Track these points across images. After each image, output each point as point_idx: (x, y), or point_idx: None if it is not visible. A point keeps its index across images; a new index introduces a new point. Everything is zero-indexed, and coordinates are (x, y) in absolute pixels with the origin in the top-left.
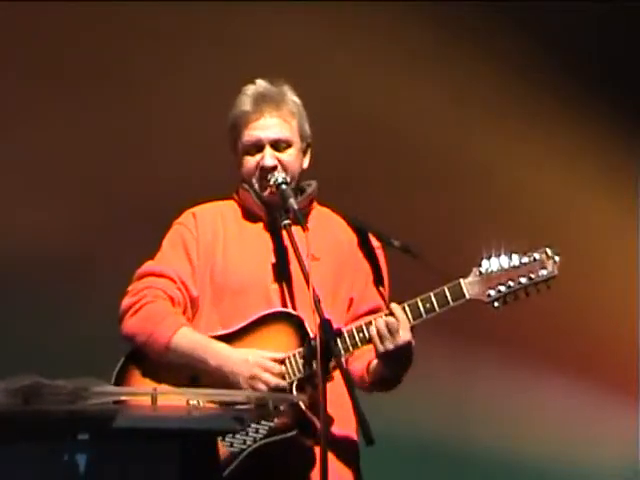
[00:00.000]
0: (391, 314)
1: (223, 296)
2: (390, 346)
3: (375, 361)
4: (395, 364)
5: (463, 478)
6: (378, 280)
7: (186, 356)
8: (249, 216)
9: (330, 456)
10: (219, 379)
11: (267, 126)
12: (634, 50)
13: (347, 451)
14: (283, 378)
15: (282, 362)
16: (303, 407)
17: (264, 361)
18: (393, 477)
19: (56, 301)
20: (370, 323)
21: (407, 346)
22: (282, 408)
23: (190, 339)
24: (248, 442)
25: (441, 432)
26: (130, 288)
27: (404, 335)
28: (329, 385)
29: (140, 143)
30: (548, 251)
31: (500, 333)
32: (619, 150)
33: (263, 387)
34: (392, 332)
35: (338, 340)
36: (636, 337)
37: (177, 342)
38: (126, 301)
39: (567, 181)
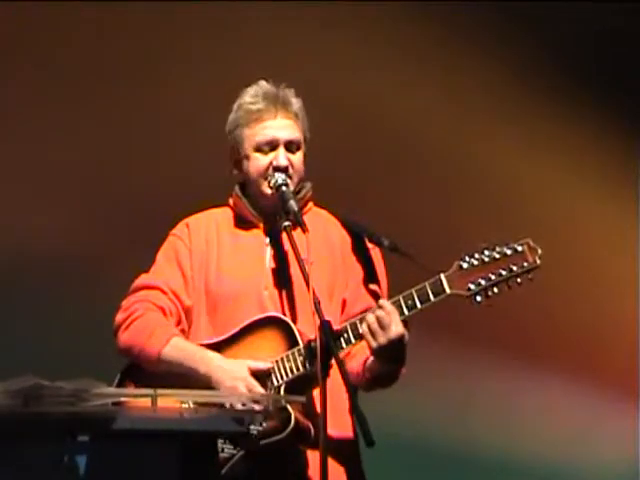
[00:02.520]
0: (380, 308)
1: (217, 304)
2: (383, 340)
3: (371, 358)
4: (389, 359)
5: (463, 478)
6: (372, 281)
7: (177, 366)
8: (242, 223)
9: (329, 457)
10: (207, 388)
11: (282, 126)
12: (635, 50)
13: (344, 452)
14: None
15: (268, 374)
16: (297, 413)
17: (249, 379)
18: (394, 477)
19: (57, 302)
20: (363, 319)
21: (400, 339)
22: (270, 409)
23: (180, 349)
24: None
25: (441, 432)
26: (123, 303)
27: (396, 329)
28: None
29: (143, 144)
30: (530, 242)
31: (501, 334)
32: (619, 150)
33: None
34: (383, 326)
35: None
36: (636, 337)
37: (167, 353)
38: (118, 317)
39: (567, 182)
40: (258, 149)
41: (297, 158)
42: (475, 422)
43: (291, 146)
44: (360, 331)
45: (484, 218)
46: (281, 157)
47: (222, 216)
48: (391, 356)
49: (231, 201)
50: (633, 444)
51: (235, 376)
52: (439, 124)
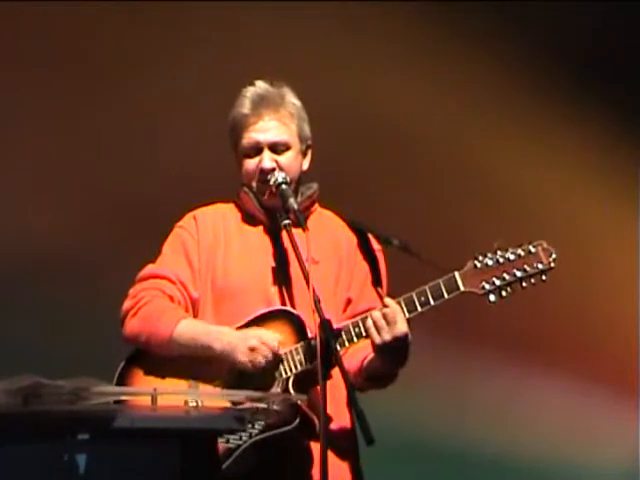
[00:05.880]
0: (385, 307)
1: (224, 299)
2: (387, 337)
3: (371, 356)
4: (391, 358)
5: (463, 477)
6: (377, 281)
7: (190, 346)
8: (249, 219)
9: (328, 453)
10: (220, 373)
11: (265, 129)
12: (634, 50)
13: (345, 448)
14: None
15: (278, 362)
16: (303, 406)
17: (262, 333)
18: (393, 476)
19: (57, 302)
20: (366, 317)
21: (404, 338)
22: (277, 407)
23: (192, 328)
24: (244, 438)
25: (441, 431)
26: (130, 291)
27: (401, 326)
28: (327, 383)
29: (144, 144)
30: (544, 244)
31: (500, 332)
32: (620, 150)
33: (260, 358)
34: (389, 323)
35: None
36: (636, 337)
37: (179, 333)
38: (126, 304)
39: (567, 181)
40: (246, 154)
41: (285, 158)
42: (474, 421)
43: (277, 147)
44: (364, 329)
45: (484, 218)
46: (265, 160)
47: (229, 211)
48: (394, 355)
49: (238, 197)
50: (633, 444)
51: (247, 336)
52: (440, 124)
